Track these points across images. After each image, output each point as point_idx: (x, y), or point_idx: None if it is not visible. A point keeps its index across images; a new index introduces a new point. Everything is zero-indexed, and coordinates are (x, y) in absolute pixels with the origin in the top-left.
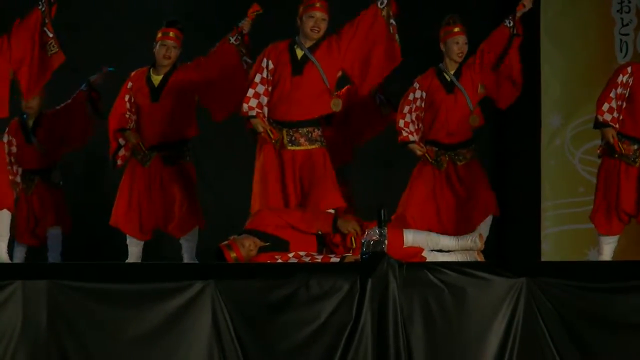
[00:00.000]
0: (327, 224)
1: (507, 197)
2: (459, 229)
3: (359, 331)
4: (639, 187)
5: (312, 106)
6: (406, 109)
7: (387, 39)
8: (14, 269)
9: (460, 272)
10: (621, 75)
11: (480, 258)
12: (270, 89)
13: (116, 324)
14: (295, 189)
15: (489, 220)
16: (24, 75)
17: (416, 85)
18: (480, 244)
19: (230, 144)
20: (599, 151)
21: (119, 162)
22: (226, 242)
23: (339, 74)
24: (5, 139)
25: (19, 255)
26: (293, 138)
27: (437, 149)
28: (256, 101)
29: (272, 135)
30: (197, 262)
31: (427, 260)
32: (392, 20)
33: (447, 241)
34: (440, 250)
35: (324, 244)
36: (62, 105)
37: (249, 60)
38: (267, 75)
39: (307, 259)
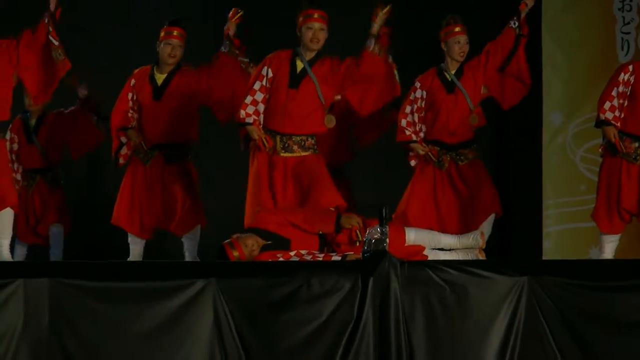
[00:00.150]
0: (329, 223)
1: (509, 195)
2: (461, 228)
3: (361, 330)
4: None
5: (305, 121)
6: (408, 108)
7: (386, 75)
8: (16, 267)
9: (462, 271)
10: (622, 74)
11: (481, 256)
12: (268, 96)
13: (118, 322)
14: (285, 193)
15: (491, 218)
16: (32, 82)
17: (417, 84)
18: (481, 243)
19: (232, 142)
20: (600, 150)
21: (121, 160)
22: (229, 240)
23: (338, 97)
24: (7, 136)
25: (20, 254)
26: (287, 145)
27: (439, 148)
28: (253, 108)
29: (266, 144)
30: (198, 260)
31: (429, 258)
32: (390, 56)
33: (448, 239)
34: (441, 249)
35: (325, 242)
36: (69, 110)
37: (244, 60)
38: (266, 84)
39: (308, 258)
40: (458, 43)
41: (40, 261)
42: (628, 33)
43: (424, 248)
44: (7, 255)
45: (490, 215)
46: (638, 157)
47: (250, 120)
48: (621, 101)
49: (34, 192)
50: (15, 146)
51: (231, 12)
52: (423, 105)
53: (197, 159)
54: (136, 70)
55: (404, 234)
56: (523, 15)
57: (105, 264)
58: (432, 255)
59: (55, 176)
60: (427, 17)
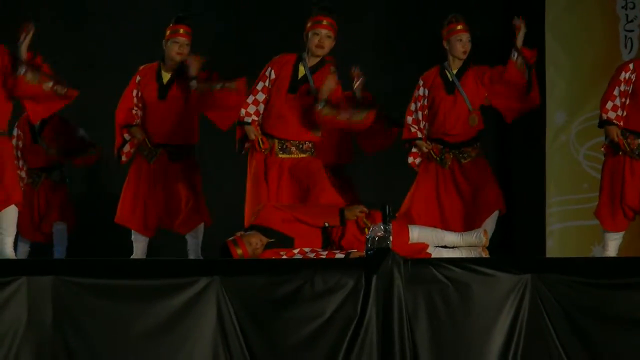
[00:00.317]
0: (334, 217)
1: (512, 193)
2: (464, 226)
3: (364, 327)
4: None
5: (301, 128)
6: (413, 106)
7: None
8: (19, 265)
9: (465, 268)
10: (623, 73)
11: (485, 254)
12: (268, 98)
13: (121, 320)
14: (280, 193)
15: (495, 216)
16: (30, 107)
17: (420, 82)
18: (484, 240)
19: (235, 140)
20: (603, 149)
21: (124, 158)
22: (233, 238)
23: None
24: (15, 132)
25: (23, 251)
26: (284, 147)
27: (442, 146)
28: (254, 108)
29: (262, 145)
30: (202, 258)
31: (432, 256)
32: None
33: (452, 237)
34: (445, 247)
35: (329, 240)
36: (72, 126)
37: (218, 85)
38: (269, 85)
39: (312, 255)
40: (460, 41)
41: (44, 259)
42: (631, 31)
43: (427, 246)
44: (10, 253)
45: (493, 213)
46: None
47: (249, 119)
48: (623, 100)
49: (39, 190)
50: (21, 143)
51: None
52: (425, 103)
53: (199, 157)
54: (141, 67)
55: (408, 232)
56: (520, 44)
57: (108, 261)
58: (436, 253)
59: (60, 174)
60: (431, 16)
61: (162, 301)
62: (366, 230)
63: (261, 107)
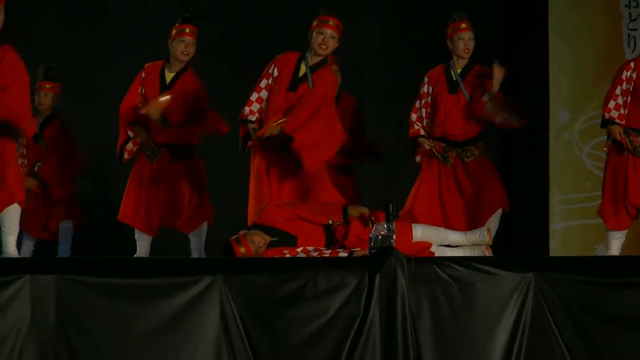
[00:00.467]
0: (337, 214)
1: (515, 192)
2: (468, 224)
3: (367, 326)
4: None
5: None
6: (417, 103)
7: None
8: (23, 263)
9: (469, 267)
10: (625, 71)
11: (488, 253)
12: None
13: (124, 319)
14: (282, 190)
15: (498, 214)
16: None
17: (425, 80)
18: (488, 239)
19: (238, 138)
20: (605, 148)
21: (126, 155)
22: (236, 236)
23: None
24: None
25: (27, 249)
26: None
27: (444, 144)
28: (258, 106)
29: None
30: (205, 257)
31: (436, 255)
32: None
33: (455, 236)
34: (448, 245)
35: (332, 239)
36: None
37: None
38: (272, 82)
39: (315, 254)
40: (461, 39)
41: (47, 257)
42: (635, 29)
43: (430, 244)
44: (13, 252)
45: (497, 211)
46: None
47: (252, 118)
48: (625, 98)
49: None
50: (24, 140)
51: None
52: (429, 101)
53: (202, 155)
54: (147, 64)
55: (411, 231)
56: (495, 89)
57: (111, 260)
58: (439, 252)
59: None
60: (431, 14)
61: (165, 300)
62: (370, 224)
63: (264, 104)
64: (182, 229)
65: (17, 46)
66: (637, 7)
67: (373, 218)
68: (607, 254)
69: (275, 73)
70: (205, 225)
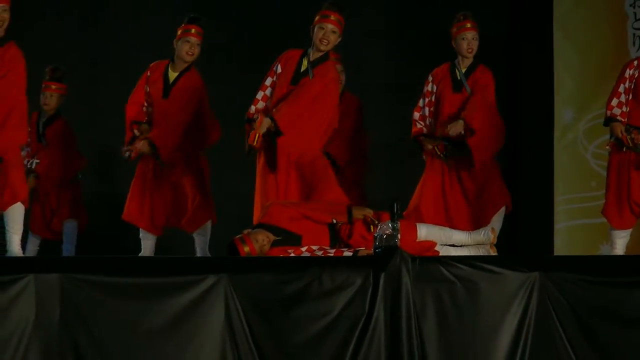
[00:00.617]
0: (342, 214)
1: (520, 191)
2: (471, 223)
3: (372, 325)
4: None
5: None
6: (421, 102)
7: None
8: (27, 262)
9: (473, 266)
10: (628, 70)
11: (493, 252)
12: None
13: (128, 318)
14: (288, 188)
15: (501, 212)
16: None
17: (430, 78)
18: (492, 238)
19: (242, 137)
20: (608, 147)
21: (133, 154)
22: (239, 235)
23: None
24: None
25: (32, 248)
26: None
27: (447, 143)
28: (264, 104)
29: (256, 141)
30: (209, 256)
31: (440, 254)
32: None
33: (460, 235)
34: (453, 245)
35: (337, 238)
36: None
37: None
38: (276, 79)
39: (319, 253)
40: (465, 40)
41: (51, 256)
42: (639, 29)
43: (435, 244)
44: (17, 251)
45: (500, 210)
46: None
47: (257, 117)
48: (627, 96)
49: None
50: (29, 139)
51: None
52: (433, 100)
53: (207, 154)
54: (152, 63)
55: (416, 230)
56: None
57: (116, 259)
58: (443, 251)
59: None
60: (434, 13)
61: (170, 299)
62: (372, 227)
63: (270, 102)
64: (186, 228)
65: (20, 45)
66: None
67: (376, 221)
68: (612, 253)
69: (279, 70)
70: (209, 224)
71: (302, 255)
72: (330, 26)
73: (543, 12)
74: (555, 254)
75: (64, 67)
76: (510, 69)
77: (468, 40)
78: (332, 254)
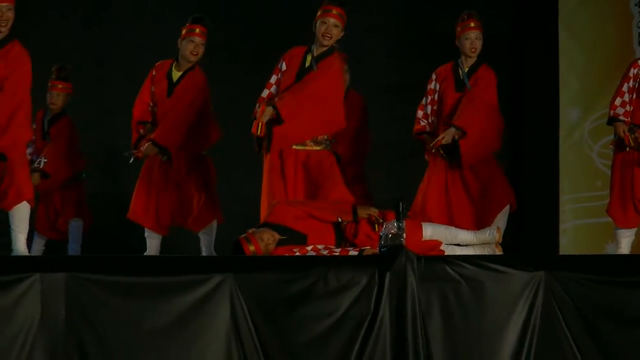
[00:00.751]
0: (347, 213)
1: (525, 191)
2: (474, 222)
3: (377, 324)
4: None
5: None
6: (424, 100)
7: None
8: (32, 261)
9: (479, 266)
10: (632, 69)
11: (498, 251)
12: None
13: (134, 317)
14: (296, 186)
15: (505, 211)
16: None
17: (433, 76)
18: (498, 237)
19: (247, 136)
20: (611, 146)
21: (139, 154)
22: (245, 235)
23: None
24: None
25: (38, 248)
26: None
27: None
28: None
29: (260, 130)
30: (215, 255)
31: (445, 253)
32: None
33: (465, 235)
34: (458, 244)
35: (342, 237)
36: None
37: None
38: (281, 77)
39: (325, 252)
40: (468, 39)
41: (57, 255)
42: None
43: (440, 243)
44: (23, 250)
45: (504, 209)
46: None
47: (259, 106)
48: (631, 95)
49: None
50: (34, 137)
51: None
52: (436, 98)
53: (213, 154)
54: (158, 63)
55: (421, 229)
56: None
57: (121, 258)
58: (449, 251)
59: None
60: (439, 12)
61: (176, 298)
62: (377, 227)
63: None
64: (192, 227)
65: (24, 44)
66: None
67: (381, 220)
68: (617, 253)
69: (284, 67)
70: (214, 223)
71: (308, 254)
72: (332, 20)
73: (548, 11)
74: (560, 253)
75: (70, 66)
76: (515, 69)
77: (471, 39)
78: (337, 253)
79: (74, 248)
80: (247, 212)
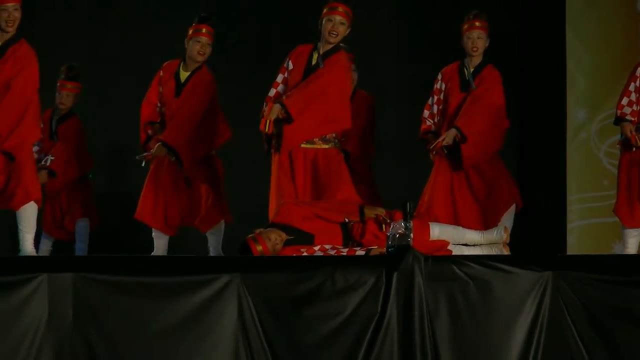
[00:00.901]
0: (354, 213)
1: (533, 190)
2: (480, 222)
3: (385, 324)
4: None
5: None
6: (430, 99)
7: None
8: (40, 261)
9: (486, 266)
10: (639, 68)
11: (506, 251)
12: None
13: (142, 317)
14: (305, 185)
15: (512, 210)
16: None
17: (439, 76)
18: (505, 237)
19: (256, 136)
20: (618, 146)
21: (148, 154)
22: (252, 235)
23: None
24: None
25: (45, 248)
26: None
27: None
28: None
29: (267, 127)
30: (223, 255)
31: (453, 253)
32: None
33: (472, 235)
34: (465, 244)
35: (349, 237)
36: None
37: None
38: (287, 76)
39: (332, 252)
40: (470, 38)
41: (64, 255)
42: None
43: (448, 243)
44: (31, 250)
45: (510, 209)
46: None
47: (266, 104)
48: (638, 95)
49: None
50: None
51: None
52: (442, 98)
53: (222, 154)
54: (165, 63)
55: (428, 229)
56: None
57: (129, 258)
58: (456, 251)
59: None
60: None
61: (183, 298)
62: (384, 226)
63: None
64: (199, 227)
65: (31, 43)
66: None
67: (388, 220)
68: (624, 253)
69: (290, 66)
70: (222, 223)
71: (315, 254)
72: (338, 17)
73: (556, 12)
74: (568, 253)
75: (79, 66)
76: (523, 69)
77: (473, 39)
78: (344, 253)
79: (81, 248)
80: (256, 211)
